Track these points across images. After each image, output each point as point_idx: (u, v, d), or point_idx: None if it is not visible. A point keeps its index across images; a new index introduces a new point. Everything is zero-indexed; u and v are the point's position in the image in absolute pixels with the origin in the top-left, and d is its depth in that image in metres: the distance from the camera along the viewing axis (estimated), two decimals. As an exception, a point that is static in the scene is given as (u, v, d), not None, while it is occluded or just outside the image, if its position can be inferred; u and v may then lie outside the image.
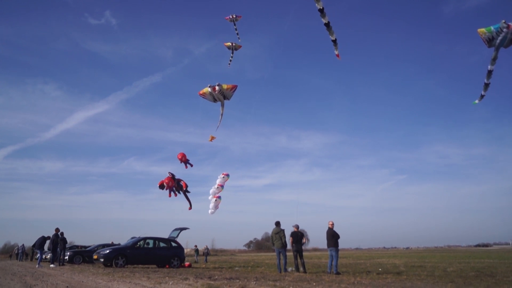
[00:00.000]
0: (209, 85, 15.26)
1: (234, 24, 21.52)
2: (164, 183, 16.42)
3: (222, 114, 15.96)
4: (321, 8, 9.83)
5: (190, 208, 17.55)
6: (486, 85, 11.91)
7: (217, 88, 15.02)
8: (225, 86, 15.18)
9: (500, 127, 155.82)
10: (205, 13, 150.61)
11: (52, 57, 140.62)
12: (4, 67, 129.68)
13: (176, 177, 17.08)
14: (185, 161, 17.32)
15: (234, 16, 21.32)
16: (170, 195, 16.70)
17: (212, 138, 16.10)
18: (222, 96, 15.37)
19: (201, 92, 15.62)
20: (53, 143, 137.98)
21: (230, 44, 21.37)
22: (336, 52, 11.17)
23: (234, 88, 15.36)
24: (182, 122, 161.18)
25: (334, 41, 10.74)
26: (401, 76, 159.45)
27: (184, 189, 17.10)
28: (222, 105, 15.87)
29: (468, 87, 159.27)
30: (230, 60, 21.84)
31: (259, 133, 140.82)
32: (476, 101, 12.50)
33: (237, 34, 21.70)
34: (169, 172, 17.00)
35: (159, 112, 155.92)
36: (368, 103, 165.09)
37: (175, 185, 16.74)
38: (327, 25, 10.16)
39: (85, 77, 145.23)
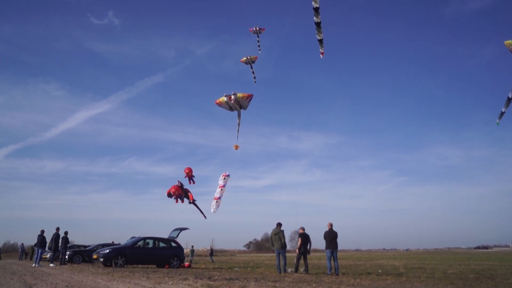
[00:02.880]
0: (225, 94, 15.42)
1: (257, 36, 21.54)
2: (171, 192, 16.60)
3: (239, 124, 16.12)
4: (317, 7, 9.93)
5: (205, 217, 17.82)
6: (509, 100, 11.83)
7: (232, 97, 15.13)
8: (240, 95, 15.28)
9: (501, 129, 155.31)
10: (207, 14, 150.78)
11: (53, 56, 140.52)
12: (5, 67, 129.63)
13: (184, 187, 17.22)
14: (190, 176, 17.51)
15: (257, 29, 21.41)
16: (177, 201, 16.89)
17: (237, 147, 16.37)
18: (238, 106, 15.49)
19: (217, 101, 15.76)
20: (54, 143, 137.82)
21: (246, 58, 21.21)
22: (321, 50, 11.38)
23: (250, 97, 15.47)
24: (183, 122, 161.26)
25: (320, 41, 10.95)
26: (402, 77, 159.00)
27: (191, 200, 17.27)
28: (239, 115, 16.04)
29: (469, 89, 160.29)
30: (254, 77, 21.53)
31: (260, 133, 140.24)
32: (498, 121, 12.53)
33: (259, 46, 21.72)
34: (178, 181, 17.18)
35: (160, 112, 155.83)
36: (369, 104, 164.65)
37: (182, 194, 16.89)
38: (318, 24, 10.30)
39: (87, 77, 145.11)
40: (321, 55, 11.70)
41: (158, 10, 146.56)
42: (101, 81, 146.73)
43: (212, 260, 33.10)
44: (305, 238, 13.48)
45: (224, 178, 18.17)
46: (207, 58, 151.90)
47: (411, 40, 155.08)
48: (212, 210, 17.70)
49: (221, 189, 17.95)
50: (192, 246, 34.68)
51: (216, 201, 17.81)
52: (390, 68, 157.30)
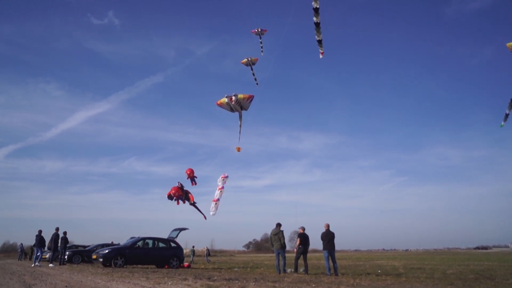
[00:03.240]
0: (226, 95, 15.42)
1: (260, 38, 21.53)
2: (171, 194, 16.58)
3: (240, 126, 16.14)
4: (317, 7, 9.96)
5: (205, 218, 17.85)
6: None
7: (233, 98, 15.14)
8: (241, 96, 15.30)
9: (501, 129, 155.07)
10: (207, 14, 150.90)
11: (54, 56, 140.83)
12: (5, 66, 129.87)
13: (185, 188, 17.20)
14: (192, 177, 17.49)
15: (259, 30, 21.39)
16: (178, 203, 16.87)
17: (239, 149, 16.42)
18: (239, 107, 15.51)
19: (218, 102, 15.78)
20: (54, 143, 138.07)
21: (247, 60, 21.12)
22: (321, 51, 11.42)
23: (250, 98, 15.51)
24: (183, 122, 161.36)
25: (319, 41, 10.99)
26: (402, 77, 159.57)
27: (192, 202, 17.26)
28: (240, 117, 16.05)
29: (469, 89, 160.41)
30: (255, 78, 21.39)
31: (260, 133, 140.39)
32: (502, 123, 12.60)
33: (261, 47, 21.71)
34: (178, 182, 17.15)
35: (160, 112, 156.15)
36: (369, 104, 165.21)
37: (182, 195, 16.88)
38: (317, 24, 10.33)
39: (87, 77, 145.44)
40: (320, 55, 11.73)
41: (158, 10, 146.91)
42: (101, 81, 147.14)
43: (208, 261, 33.02)
44: (304, 238, 13.45)
45: (223, 180, 18.19)
46: (207, 58, 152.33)
47: (411, 40, 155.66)
48: (211, 213, 17.73)
49: (220, 191, 17.97)
50: (193, 247, 34.72)
51: (215, 203, 17.83)
52: (390, 68, 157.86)
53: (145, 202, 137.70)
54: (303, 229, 13.60)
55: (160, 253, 17.52)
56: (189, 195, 17.30)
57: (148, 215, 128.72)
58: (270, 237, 13.95)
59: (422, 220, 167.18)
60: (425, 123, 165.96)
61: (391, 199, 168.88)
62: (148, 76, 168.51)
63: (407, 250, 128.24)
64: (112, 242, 25.52)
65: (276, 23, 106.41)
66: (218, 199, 17.96)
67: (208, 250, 37.54)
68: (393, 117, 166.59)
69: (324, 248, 13.24)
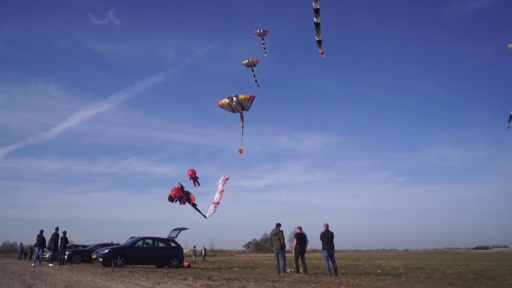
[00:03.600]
0: (227, 96, 15.40)
1: (262, 39, 21.50)
2: (172, 195, 16.56)
3: (243, 127, 16.10)
4: (317, 8, 9.98)
5: (205, 217, 17.85)
6: None
7: (234, 99, 15.11)
8: (242, 97, 15.27)
9: (501, 129, 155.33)
10: (207, 14, 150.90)
11: (54, 56, 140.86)
12: (5, 66, 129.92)
13: (185, 189, 17.19)
14: (194, 178, 17.44)
15: (261, 31, 21.35)
16: (181, 203, 16.87)
17: (241, 151, 16.38)
18: (240, 108, 15.49)
19: (219, 103, 15.75)
20: (54, 142, 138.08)
21: (247, 61, 21.04)
22: (321, 51, 11.45)
23: (251, 98, 15.49)
24: (183, 122, 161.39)
25: (319, 42, 11.01)
26: (402, 78, 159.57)
27: (192, 202, 17.24)
28: (242, 117, 15.99)
29: (469, 89, 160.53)
30: (256, 80, 21.24)
31: (260, 133, 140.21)
32: (508, 125, 12.67)
33: (264, 48, 21.66)
34: (178, 183, 17.13)
35: (160, 112, 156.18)
36: (369, 104, 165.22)
37: (183, 196, 16.86)
38: (317, 25, 10.34)
39: (87, 77, 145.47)
40: (321, 55, 11.74)
41: (158, 10, 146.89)
42: (101, 81, 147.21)
43: (206, 260, 33.20)
44: (301, 238, 13.43)
45: (224, 182, 18.17)
46: (207, 58, 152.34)
47: (411, 40, 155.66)
48: (208, 214, 17.71)
49: (220, 194, 17.95)
50: (194, 247, 34.78)
51: (215, 206, 17.82)
52: (390, 68, 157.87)
53: (145, 202, 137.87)
54: (300, 229, 13.60)
55: (160, 253, 17.52)
56: (190, 195, 17.29)
57: (148, 215, 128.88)
58: (270, 237, 13.94)
59: (422, 220, 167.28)
60: (425, 123, 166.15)
61: (391, 199, 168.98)
62: (148, 76, 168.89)
63: (407, 250, 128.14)
64: (111, 242, 25.51)
65: (276, 23, 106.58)
66: (218, 202, 17.94)
67: (205, 249, 37.70)
68: (393, 117, 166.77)
69: (324, 248, 13.24)
